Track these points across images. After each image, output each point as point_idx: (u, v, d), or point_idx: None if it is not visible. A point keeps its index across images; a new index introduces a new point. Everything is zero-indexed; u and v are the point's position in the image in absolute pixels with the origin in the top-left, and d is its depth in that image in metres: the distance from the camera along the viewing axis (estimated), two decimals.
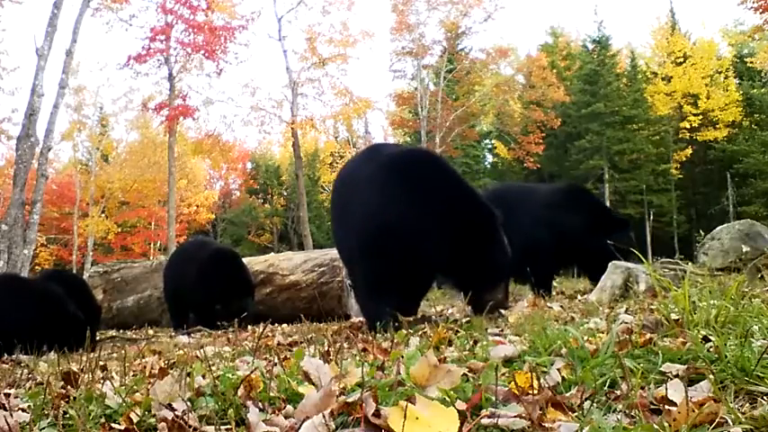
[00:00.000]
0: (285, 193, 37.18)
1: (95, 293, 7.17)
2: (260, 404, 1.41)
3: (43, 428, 1.39)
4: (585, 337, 1.87)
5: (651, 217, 30.31)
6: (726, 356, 1.40)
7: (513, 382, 1.32)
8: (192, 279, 6.49)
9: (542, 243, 6.10)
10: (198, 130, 25.84)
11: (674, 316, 2.01)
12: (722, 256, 5.96)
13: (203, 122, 26.27)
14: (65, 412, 1.43)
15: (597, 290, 4.69)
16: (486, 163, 35.54)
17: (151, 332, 6.72)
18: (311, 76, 25.37)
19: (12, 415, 1.40)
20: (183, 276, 6.67)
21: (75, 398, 1.58)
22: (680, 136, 30.73)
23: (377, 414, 1.12)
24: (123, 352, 3.13)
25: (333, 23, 25.10)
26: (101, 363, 2.37)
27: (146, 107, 25.07)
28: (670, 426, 1.06)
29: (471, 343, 2.20)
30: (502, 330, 2.76)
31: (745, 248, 5.67)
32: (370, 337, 2.96)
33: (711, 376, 1.31)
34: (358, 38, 25.22)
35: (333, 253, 7.51)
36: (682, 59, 30.87)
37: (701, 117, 30.05)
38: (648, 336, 1.81)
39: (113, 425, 1.36)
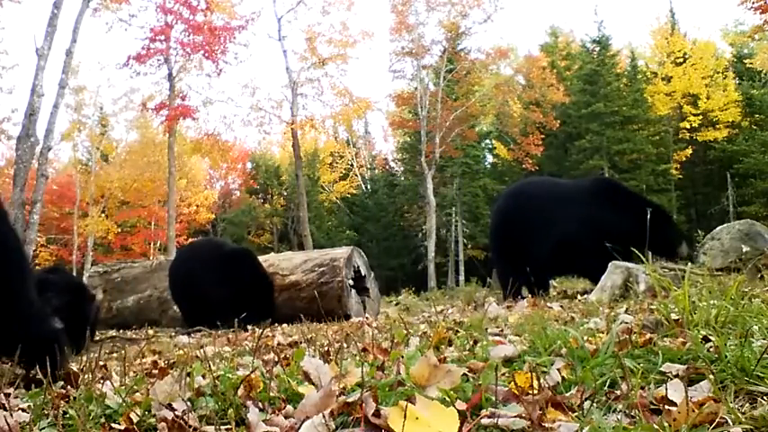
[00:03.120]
0: (285, 193, 37.18)
1: (95, 293, 7.16)
2: (260, 404, 1.41)
3: (43, 428, 1.39)
4: (585, 337, 1.87)
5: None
6: (726, 356, 1.40)
7: (513, 382, 1.32)
8: (214, 279, 6.47)
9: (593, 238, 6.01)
10: (198, 130, 25.86)
11: (674, 316, 2.01)
12: (722, 256, 5.97)
13: (203, 122, 26.29)
14: (65, 412, 1.43)
15: (597, 290, 4.70)
16: (486, 163, 35.55)
17: (151, 332, 6.72)
18: (311, 76, 25.42)
19: (12, 415, 1.40)
20: (199, 276, 6.64)
21: (75, 398, 1.58)
22: (680, 136, 30.76)
23: (377, 414, 1.12)
24: (123, 352, 3.14)
25: (332, 23, 25.16)
26: (101, 363, 2.37)
27: (145, 107, 25.07)
28: (670, 426, 1.06)
29: (471, 343, 2.20)
30: (502, 330, 2.76)
31: (745, 248, 5.68)
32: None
33: (711, 376, 1.31)
34: (358, 38, 25.26)
35: (333, 253, 7.52)
36: (681, 60, 30.88)
37: (700, 117, 30.08)
38: (648, 336, 1.81)
39: (113, 425, 1.36)
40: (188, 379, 1.54)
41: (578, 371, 1.46)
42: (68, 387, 1.85)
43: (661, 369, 1.43)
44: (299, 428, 1.17)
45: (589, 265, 6.09)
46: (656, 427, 1.05)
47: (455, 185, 30.82)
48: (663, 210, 6.60)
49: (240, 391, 1.47)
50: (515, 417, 1.16)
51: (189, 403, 1.37)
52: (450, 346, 2.29)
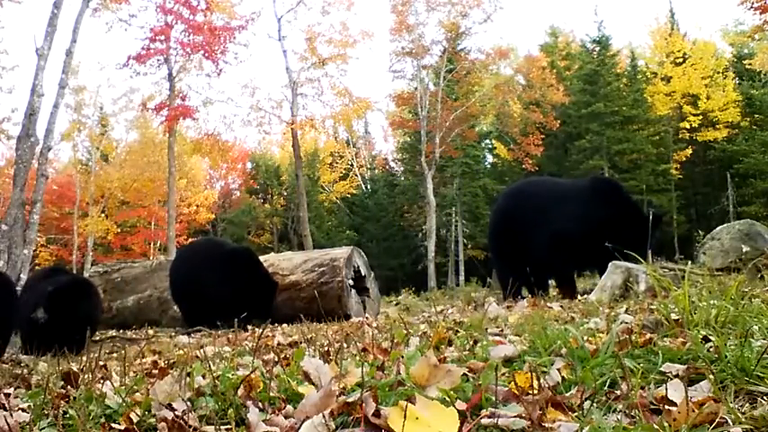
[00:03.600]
0: (285, 193, 37.19)
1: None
2: (260, 404, 1.41)
3: (43, 428, 1.39)
4: (585, 337, 1.87)
5: (652, 217, 30.27)
6: (726, 356, 1.40)
7: (513, 382, 1.32)
8: (216, 278, 6.48)
9: (564, 238, 5.98)
10: (198, 130, 25.86)
11: (674, 316, 2.01)
12: (722, 256, 5.98)
13: (203, 122, 26.28)
14: (65, 412, 1.43)
15: (597, 290, 4.70)
16: (486, 163, 35.56)
17: (151, 332, 6.72)
18: (311, 76, 25.42)
19: (12, 415, 1.40)
20: (199, 276, 6.65)
21: (75, 398, 1.58)
22: (680, 136, 30.76)
23: (377, 414, 1.12)
24: (123, 352, 3.14)
25: (332, 24, 25.17)
26: (101, 363, 2.37)
27: (145, 107, 25.07)
28: (670, 426, 1.06)
29: (471, 343, 2.19)
30: (502, 330, 2.76)
31: (745, 248, 5.68)
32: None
33: (711, 376, 1.31)
34: (357, 38, 25.26)
35: (333, 253, 7.52)
36: (681, 60, 30.89)
37: (700, 117, 30.08)
38: (648, 336, 1.81)
39: (113, 425, 1.36)
40: (188, 379, 1.54)
41: (578, 371, 1.46)
42: (68, 387, 1.85)
43: (661, 369, 1.43)
44: (299, 428, 1.17)
45: (554, 266, 6.10)
46: (656, 427, 1.05)
47: (455, 185, 30.82)
48: (649, 214, 6.54)
49: (240, 391, 1.47)
50: (515, 417, 1.16)
51: (189, 403, 1.37)
52: (450, 346, 2.28)
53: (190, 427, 1.25)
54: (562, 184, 7.33)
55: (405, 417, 1.07)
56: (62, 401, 1.54)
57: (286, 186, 37.05)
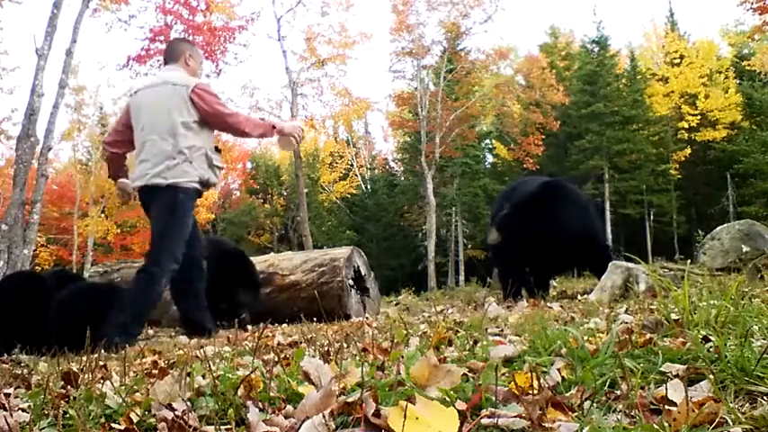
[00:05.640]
0: (285, 193, 37.19)
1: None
2: (260, 404, 1.41)
3: (43, 428, 1.39)
4: (585, 337, 1.87)
5: (651, 217, 30.35)
6: (726, 356, 1.40)
7: (513, 382, 1.32)
8: (211, 277, 6.49)
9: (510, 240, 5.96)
10: None
11: (674, 316, 2.01)
12: (722, 256, 5.98)
13: None
14: (65, 412, 1.43)
15: (597, 290, 4.70)
16: (486, 163, 35.57)
17: (151, 332, 6.71)
18: (310, 77, 25.44)
19: (12, 415, 1.40)
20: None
21: (75, 398, 1.58)
22: (678, 136, 30.78)
23: (377, 414, 1.12)
24: (123, 352, 3.14)
25: (332, 24, 25.20)
26: (101, 363, 2.36)
27: None
28: (670, 426, 1.06)
29: (471, 343, 2.19)
30: (502, 330, 2.76)
31: (745, 248, 5.68)
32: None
33: (711, 376, 1.31)
34: (357, 39, 25.29)
35: (333, 253, 7.51)
36: (678, 60, 30.91)
37: (699, 117, 30.10)
38: (648, 336, 1.80)
39: (113, 425, 1.36)
40: (188, 379, 1.53)
41: (578, 371, 1.46)
42: (68, 387, 1.85)
43: (661, 369, 1.43)
44: (299, 428, 1.17)
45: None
46: (656, 427, 1.05)
47: (455, 185, 30.83)
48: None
49: (240, 391, 1.47)
50: (515, 417, 1.16)
51: (189, 403, 1.37)
52: (451, 346, 2.28)
53: (190, 427, 1.25)
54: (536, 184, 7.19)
55: (405, 417, 1.07)
56: (62, 401, 1.54)
57: (286, 186, 37.05)
